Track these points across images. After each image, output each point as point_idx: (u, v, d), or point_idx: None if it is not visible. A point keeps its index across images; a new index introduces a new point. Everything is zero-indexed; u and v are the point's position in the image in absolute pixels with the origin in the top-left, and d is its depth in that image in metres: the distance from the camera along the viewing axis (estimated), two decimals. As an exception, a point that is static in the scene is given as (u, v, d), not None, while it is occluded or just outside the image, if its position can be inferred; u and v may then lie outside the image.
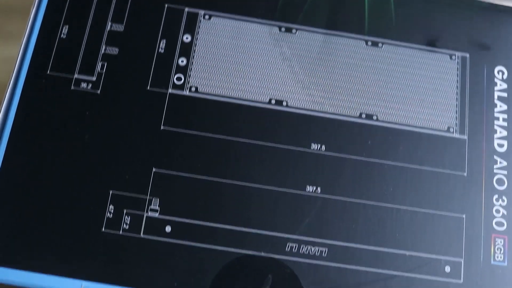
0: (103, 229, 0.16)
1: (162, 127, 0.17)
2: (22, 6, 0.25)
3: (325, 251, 0.17)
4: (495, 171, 0.18)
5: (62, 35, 0.18)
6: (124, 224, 0.17)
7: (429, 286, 0.17)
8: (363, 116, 0.18)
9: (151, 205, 0.17)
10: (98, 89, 0.18)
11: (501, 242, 0.17)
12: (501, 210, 0.18)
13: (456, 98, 0.19)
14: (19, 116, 0.17)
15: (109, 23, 0.18)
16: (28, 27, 0.18)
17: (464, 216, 0.17)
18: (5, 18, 0.37)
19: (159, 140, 0.17)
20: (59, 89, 0.17)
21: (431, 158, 0.18)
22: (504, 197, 0.18)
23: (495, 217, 0.18)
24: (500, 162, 0.18)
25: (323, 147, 0.18)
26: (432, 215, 0.17)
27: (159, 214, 0.17)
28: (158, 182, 0.17)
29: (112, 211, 0.17)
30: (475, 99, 0.19)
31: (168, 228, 0.17)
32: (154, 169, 0.17)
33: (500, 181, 0.18)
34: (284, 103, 0.18)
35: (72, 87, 0.17)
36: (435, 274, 0.17)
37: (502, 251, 0.17)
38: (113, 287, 0.16)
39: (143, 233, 0.17)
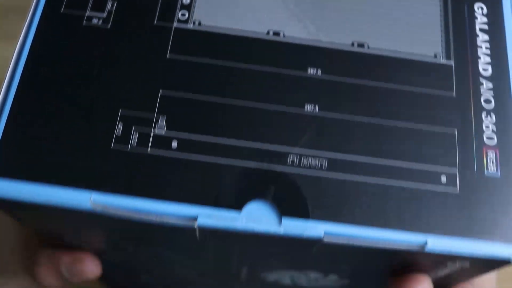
0: (112, 145, 0.17)
1: (168, 56, 0.18)
2: (22, 6, 0.26)
3: (325, 163, 0.18)
4: (481, 92, 0.19)
5: None
6: (132, 141, 0.17)
7: (427, 196, 0.17)
8: (355, 44, 0.19)
9: (158, 122, 0.18)
10: (108, 24, 0.19)
11: (492, 154, 0.18)
12: (490, 125, 0.19)
13: (441, 30, 0.20)
14: (35, 47, 0.18)
15: None
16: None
17: (455, 131, 0.18)
18: (5, 18, 0.39)
19: (166, 66, 0.18)
20: (72, 25, 0.19)
21: (421, 81, 0.19)
22: (492, 114, 0.19)
23: (484, 132, 0.18)
24: (486, 85, 0.19)
25: (319, 71, 0.19)
26: (425, 131, 0.18)
27: (166, 130, 0.18)
28: (164, 103, 0.18)
29: (121, 128, 0.17)
30: (458, 30, 0.20)
31: (174, 144, 0.17)
32: (160, 91, 0.18)
33: (487, 101, 0.19)
34: (281, 34, 0.19)
35: (84, 23, 0.19)
36: (432, 183, 0.18)
37: (494, 163, 0.18)
38: (121, 196, 0.17)
39: (151, 148, 0.17)
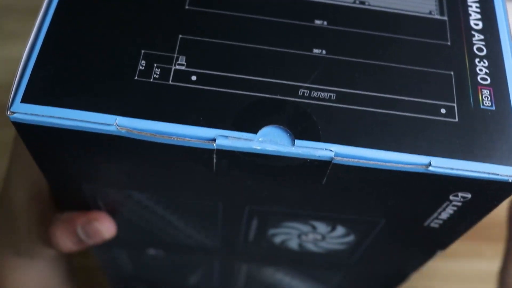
0: (136, 77, 0.19)
1: (187, 7, 0.20)
2: (22, 6, 0.28)
3: (334, 96, 0.19)
4: (474, 42, 0.21)
5: None
6: (155, 74, 0.19)
7: (428, 124, 0.19)
8: (357, 2, 0.21)
9: (178, 61, 0.19)
10: None
11: (487, 92, 0.20)
12: (484, 69, 0.20)
13: None
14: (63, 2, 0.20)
15: None
16: None
17: (452, 73, 0.20)
18: (5, 18, 0.40)
19: (185, 15, 0.20)
20: None
21: (418, 32, 0.21)
22: (485, 60, 0.20)
23: (479, 74, 0.20)
24: (477, 36, 0.21)
25: (325, 22, 0.21)
26: (424, 72, 0.20)
27: (186, 67, 0.19)
28: (183, 45, 0.19)
29: (144, 65, 0.19)
30: None
31: (194, 78, 0.19)
32: (180, 36, 0.20)
33: (479, 49, 0.21)
34: (289, -8, 0.21)
35: None
36: (432, 114, 0.19)
37: (489, 99, 0.20)
38: (144, 121, 0.18)
39: (172, 81, 0.19)
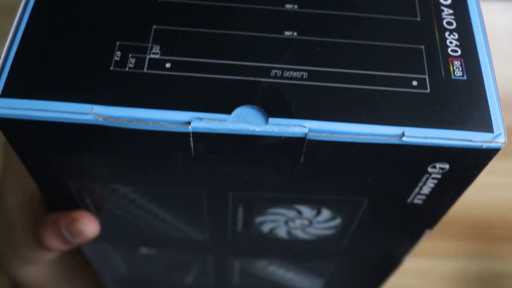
0: (111, 68, 0.19)
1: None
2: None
3: (305, 74, 0.19)
4: (443, 16, 0.21)
5: None
6: (130, 64, 0.19)
7: (400, 96, 0.19)
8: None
9: (152, 50, 0.19)
10: None
11: (458, 63, 0.20)
12: (454, 41, 0.21)
13: None
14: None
15: None
16: None
17: (422, 46, 0.20)
18: (5, 18, 0.41)
19: (158, 7, 0.20)
20: None
21: (387, 9, 0.21)
22: (455, 33, 0.21)
23: (449, 46, 0.20)
24: (447, 11, 0.21)
25: (296, 6, 0.21)
26: (394, 47, 0.20)
27: (160, 56, 0.19)
28: (157, 35, 0.20)
29: (119, 55, 0.19)
30: None
31: (168, 65, 0.19)
32: (154, 26, 0.20)
33: (449, 23, 0.21)
34: (259, -20, 0.22)
35: None
36: (404, 87, 0.19)
37: (460, 69, 0.20)
38: (120, 108, 0.18)
39: (146, 69, 0.19)
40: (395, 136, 0.18)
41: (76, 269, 0.33)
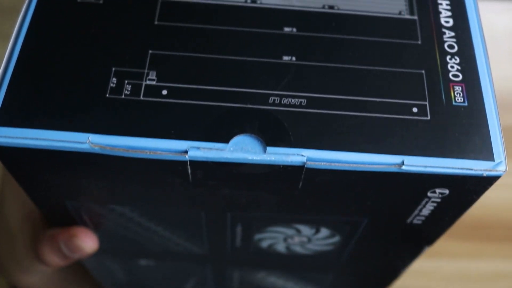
0: (107, 95, 0.19)
1: (156, 22, 0.20)
2: (22, 6, 0.28)
3: (304, 101, 0.19)
4: (444, 39, 0.21)
5: None
6: (126, 91, 0.19)
7: (400, 123, 0.19)
8: (326, 7, 0.21)
9: (148, 76, 0.19)
10: (101, 0, 0.21)
11: (459, 88, 0.20)
12: (455, 66, 0.20)
13: None
14: (35, 20, 0.20)
15: None
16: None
17: (423, 71, 0.20)
18: (5, 18, 0.41)
19: (154, 31, 0.20)
20: (68, 2, 0.21)
21: (388, 33, 0.21)
22: (456, 57, 0.20)
23: (450, 71, 0.20)
24: (448, 33, 0.21)
25: (295, 29, 0.21)
26: (394, 73, 0.20)
27: (156, 82, 0.19)
28: (154, 60, 0.20)
29: (115, 82, 0.19)
30: None
31: (164, 92, 0.19)
32: (150, 51, 0.20)
33: (450, 46, 0.21)
34: (258, 1, 0.21)
35: (79, 0, 0.21)
36: (404, 114, 0.19)
37: (461, 95, 0.20)
38: (116, 137, 0.18)
39: (143, 96, 0.19)
40: (394, 164, 0.18)
41: (76, 276, 0.34)
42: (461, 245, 0.50)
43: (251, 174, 0.19)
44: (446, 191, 0.20)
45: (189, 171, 0.19)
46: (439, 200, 0.20)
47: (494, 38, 0.51)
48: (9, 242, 0.29)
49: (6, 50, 0.20)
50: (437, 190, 0.20)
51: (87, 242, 0.24)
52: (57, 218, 0.24)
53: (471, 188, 0.19)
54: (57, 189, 0.21)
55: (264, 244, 0.26)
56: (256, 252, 0.27)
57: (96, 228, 0.25)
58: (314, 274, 0.31)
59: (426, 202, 0.21)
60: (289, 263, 0.28)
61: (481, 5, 0.23)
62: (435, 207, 0.21)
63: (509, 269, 0.49)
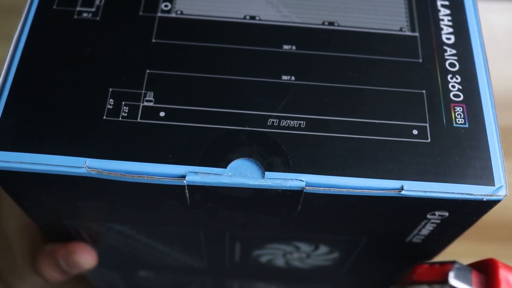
0: (104, 117, 0.19)
1: (153, 40, 0.20)
2: (22, 6, 0.28)
3: (303, 123, 0.19)
4: (446, 57, 0.21)
5: None
6: (123, 113, 0.19)
7: (400, 147, 0.19)
8: (326, 23, 0.21)
9: (146, 97, 0.19)
10: (98, 17, 0.21)
11: (460, 109, 0.20)
12: (456, 85, 0.20)
13: (405, 7, 0.22)
14: (31, 38, 0.20)
15: None
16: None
17: (424, 91, 0.20)
18: (5, 18, 0.40)
19: (151, 49, 0.20)
20: (64, 19, 0.20)
21: (388, 50, 0.20)
22: (457, 76, 0.20)
23: (451, 91, 0.20)
24: (450, 51, 0.21)
25: (294, 47, 0.20)
26: (395, 93, 0.20)
27: (154, 103, 0.19)
28: (151, 80, 0.19)
29: (112, 103, 0.19)
30: (421, 7, 0.22)
31: (162, 113, 0.19)
32: (147, 71, 0.20)
33: (452, 65, 0.20)
34: (257, 18, 0.21)
35: (75, 17, 0.20)
36: (404, 136, 0.19)
37: (462, 116, 0.19)
38: (114, 161, 0.18)
39: (140, 119, 0.19)
40: (393, 189, 0.18)
41: (74, 283, 0.33)
42: (460, 245, 0.50)
43: (249, 197, 0.19)
44: (446, 214, 0.19)
45: (187, 194, 0.19)
46: (438, 221, 0.20)
47: (494, 38, 0.50)
48: (6, 251, 0.29)
49: (6, 50, 0.20)
50: (437, 213, 0.19)
51: (86, 258, 0.24)
52: (55, 234, 0.24)
53: (471, 211, 0.19)
54: (54, 209, 0.21)
55: (263, 259, 0.26)
56: (255, 266, 0.27)
57: (95, 243, 0.25)
58: (313, 286, 0.30)
59: (426, 223, 0.20)
60: (288, 276, 0.28)
61: (481, 5, 0.23)
62: (434, 228, 0.21)
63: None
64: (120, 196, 0.19)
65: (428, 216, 0.20)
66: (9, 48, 0.20)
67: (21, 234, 0.27)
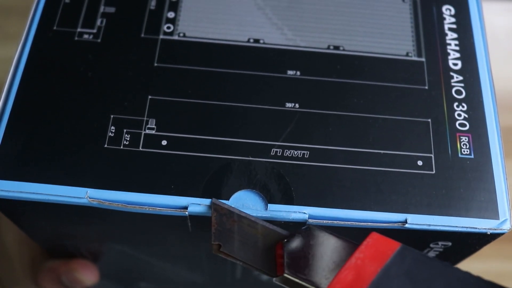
0: (106, 145, 0.18)
1: (156, 64, 0.20)
2: (22, 6, 0.27)
3: (307, 153, 0.19)
4: (452, 84, 0.20)
5: (66, 0, 0.21)
6: (125, 141, 0.18)
7: (404, 178, 0.18)
8: (331, 47, 0.21)
9: (148, 124, 0.19)
10: (99, 39, 0.20)
11: (465, 139, 0.19)
12: (463, 114, 0.20)
13: (412, 31, 0.21)
14: (31, 59, 0.20)
15: None
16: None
17: (429, 120, 0.19)
18: (5, 18, 0.40)
19: (154, 73, 0.20)
20: (65, 40, 0.20)
21: (394, 76, 0.20)
22: (463, 104, 0.20)
23: (457, 119, 0.20)
24: (456, 77, 0.20)
25: (298, 72, 0.20)
26: (400, 121, 0.19)
27: (155, 131, 0.19)
28: (153, 107, 0.19)
29: (114, 131, 0.19)
30: (428, 31, 0.21)
31: (164, 142, 0.19)
32: (150, 97, 0.19)
33: (458, 92, 0.20)
34: (261, 41, 0.21)
35: (76, 38, 0.20)
36: (409, 167, 0.19)
37: (467, 146, 0.19)
38: (115, 192, 0.18)
39: (142, 147, 0.18)
40: (397, 222, 0.18)
41: None
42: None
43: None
44: (449, 243, 0.19)
45: (189, 223, 0.18)
46: (441, 249, 0.20)
47: (494, 39, 0.50)
48: (6, 262, 0.29)
49: (6, 50, 0.19)
50: (440, 243, 0.19)
51: (88, 275, 0.24)
52: (56, 252, 0.24)
53: (474, 242, 0.19)
54: (55, 233, 0.21)
55: (265, 277, 0.25)
56: (256, 283, 0.26)
57: (96, 259, 0.25)
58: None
59: (428, 251, 0.20)
60: None
61: (481, 6, 0.22)
62: (437, 255, 0.21)
63: (509, 269, 0.49)
64: (122, 224, 0.19)
65: (431, 245, 0.20)
66: (9, 70, 0.19)
67: (21, 246, 0.27)
